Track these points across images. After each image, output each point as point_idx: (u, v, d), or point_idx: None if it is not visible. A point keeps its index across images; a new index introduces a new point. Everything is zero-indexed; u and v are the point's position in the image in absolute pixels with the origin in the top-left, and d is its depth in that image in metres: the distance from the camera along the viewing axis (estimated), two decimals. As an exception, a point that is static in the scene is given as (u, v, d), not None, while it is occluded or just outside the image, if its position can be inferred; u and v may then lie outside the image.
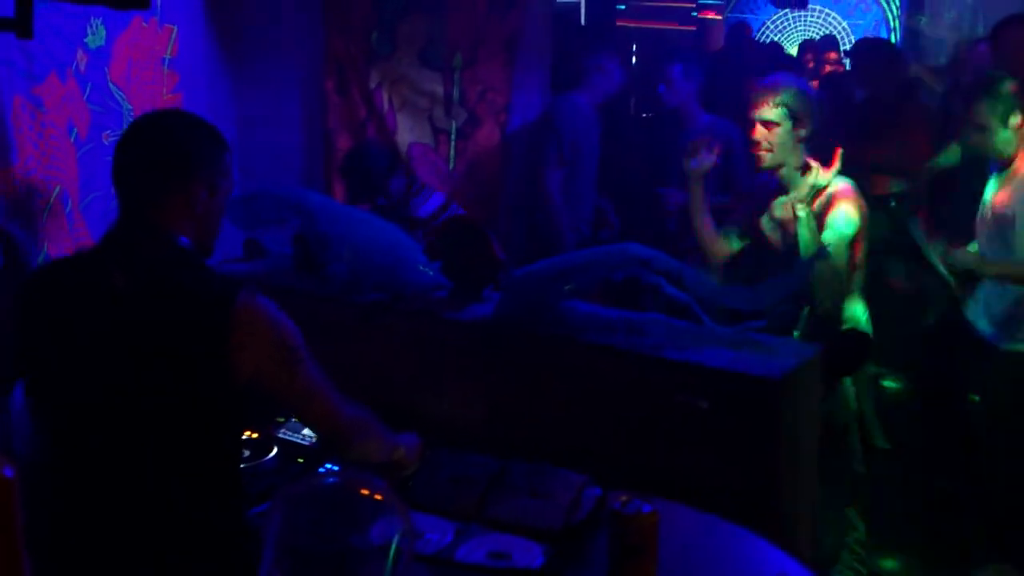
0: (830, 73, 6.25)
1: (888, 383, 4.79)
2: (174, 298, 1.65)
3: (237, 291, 1.66)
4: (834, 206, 2.92)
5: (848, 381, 3.11)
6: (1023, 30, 3.99)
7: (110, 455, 1.66)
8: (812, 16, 8.11)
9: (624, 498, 1.65)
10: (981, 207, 3.33)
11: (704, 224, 3.24)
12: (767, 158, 2.99)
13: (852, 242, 2.93)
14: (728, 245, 3.23)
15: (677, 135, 4.28)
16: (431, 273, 2.79)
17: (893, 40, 7.79)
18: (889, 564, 3.49)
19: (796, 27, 8.06)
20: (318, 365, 1.78)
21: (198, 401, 1.66)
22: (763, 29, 8.04)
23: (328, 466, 2.21)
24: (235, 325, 1.63)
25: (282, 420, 2.57)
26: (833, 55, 6.54)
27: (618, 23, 6.37)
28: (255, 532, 1.78)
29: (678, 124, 4.35)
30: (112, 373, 1.65)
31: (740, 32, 6.48)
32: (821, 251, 2.77)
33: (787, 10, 8.12)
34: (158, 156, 1.72)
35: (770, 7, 8.26)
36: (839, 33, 7.86)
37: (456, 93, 4.62)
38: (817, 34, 7.89)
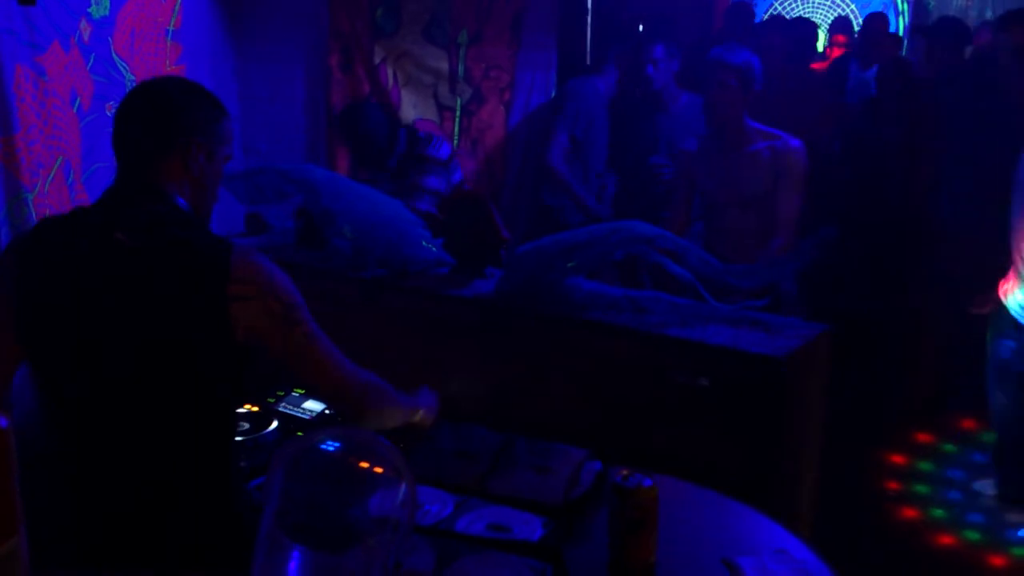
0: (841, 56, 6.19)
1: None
2: (176, 253, 1.66)
3: (234, 246, 1.69)
4: None
5: None
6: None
7: (107, 408, 1.67)
8: (819, -1, 8.06)
9: (625, 472, 1.65)
10: None
11: None
12: None
13: None
14: None
15: (659, 112, 4.37)
16: (434, 249, 2.78)
17: (901, 24, 7.74)
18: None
19: (803, 8, 8.00)
20: (322, 329, 1.78)
21: (198, 355, 1.67)
22: (769, 10, 7.98)
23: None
24: (233, 278, 1.65)
25: (281, 394, 2.57)
26: (841, 38, 6.48)
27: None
28: (249, 499, 1.79)
29: (660, 102, 4.40)
30: (113, 328, 1.65)
31: (739, 12, 6.36)
32: None
33: (794, -9, 8.07)
34: (157, 119, 1.74)
35: (777, -13, 8.21)
36: (848, 15, 7.82)
37: (461, 70, 4.60)
38: (825, 16, 7.84)
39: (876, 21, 6.09)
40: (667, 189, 4.13)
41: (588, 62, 4.69)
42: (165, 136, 1.72)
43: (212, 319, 1.64)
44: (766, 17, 7.53)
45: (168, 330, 1.64)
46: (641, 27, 5.00)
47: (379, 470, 1.30)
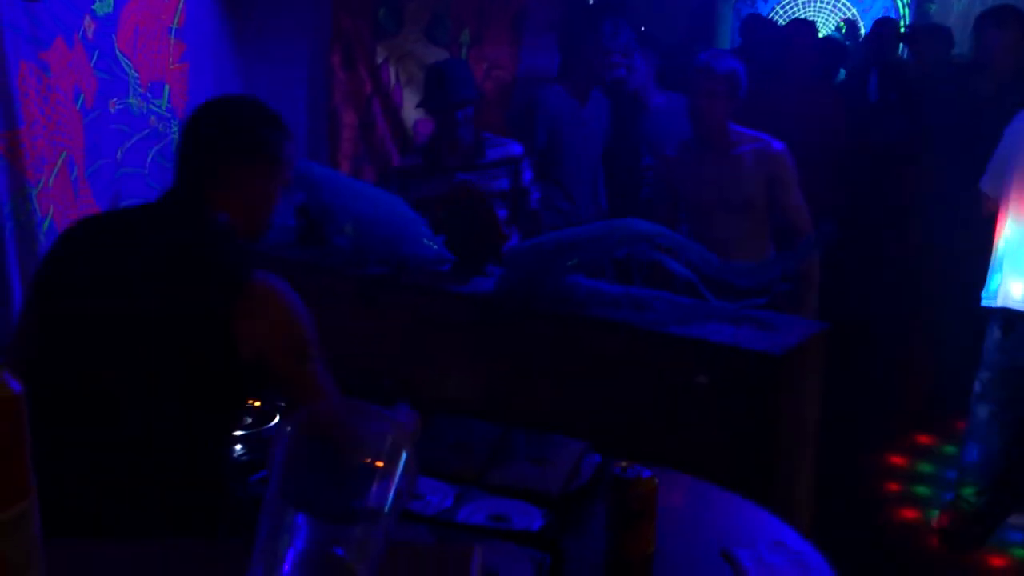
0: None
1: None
2: (193, 264, 1.70)
3: (256, 268, 1.71)
4: None
5: None
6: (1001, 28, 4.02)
7: (105, 405, 1.68)
8: (822, 2, 8.07)
9: (624, 463, 1.66)
10: None
11: None
12: None
13: None
14: None
15: (638, 113, 4.36)
16: (435, 247, 2.79)
17: (901, 28, 7.75)
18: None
19: (806, 13, 8.00)
20: (327, 369, 1.78)
21: (199, 366, 1.67)
22: (771, 15, 7.99)
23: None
24: (246, 297, 1.66)
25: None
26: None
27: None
28: (231, 494, 1.81)
29: (638, 103, 4.40)
30: (120, 331, 1.67)
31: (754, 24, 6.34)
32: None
33: (797, -4, 8.09)
34: (217, 138, 1.81)
35: (779, -7, 8.22)
36: (852, 18, 7.84)
37: (462, 70, 4.61)
38: (827, 19, 7.86)
39: (885, 26, 6.09)
40: (651, 192, 4.13)
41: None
42: (222, 155, 1.79)
43: (217, 335, 1.65)
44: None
45: (171, 336, 1.66)
46: (644, 28, 4.99)
47: (380, 464, 1.30)
